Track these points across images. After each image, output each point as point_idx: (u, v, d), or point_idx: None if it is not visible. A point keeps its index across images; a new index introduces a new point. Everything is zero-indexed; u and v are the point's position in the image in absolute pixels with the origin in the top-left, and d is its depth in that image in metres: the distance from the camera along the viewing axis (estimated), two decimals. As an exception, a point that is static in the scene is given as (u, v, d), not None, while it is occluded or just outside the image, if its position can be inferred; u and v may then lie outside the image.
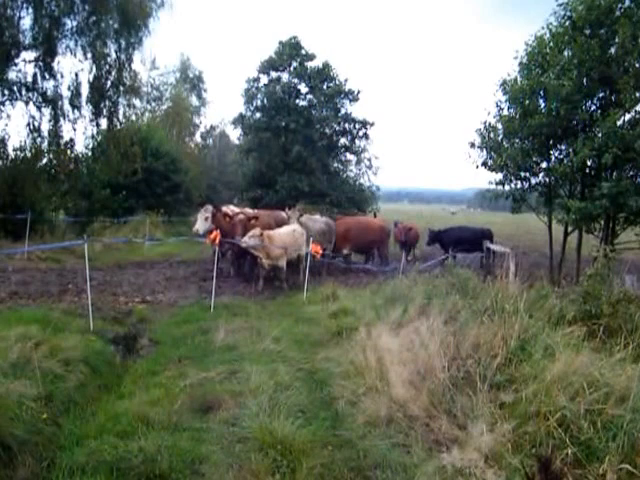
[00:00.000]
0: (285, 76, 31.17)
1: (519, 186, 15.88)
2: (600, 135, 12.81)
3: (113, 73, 18.27)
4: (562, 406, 4.14)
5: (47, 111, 18.01)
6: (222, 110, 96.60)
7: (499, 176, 15.86)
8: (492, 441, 4.08)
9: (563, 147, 14.99)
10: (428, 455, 4.26)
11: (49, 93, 17.83)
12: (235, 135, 37.73)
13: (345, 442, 4.61)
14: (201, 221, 13.52)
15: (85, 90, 18.26)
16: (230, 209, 14.98)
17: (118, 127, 19.23)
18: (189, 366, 6.46)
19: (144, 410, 4.91)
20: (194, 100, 40.36)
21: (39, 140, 18.10)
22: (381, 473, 4.09)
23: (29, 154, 18.05)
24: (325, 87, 31.17)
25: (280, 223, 14.67)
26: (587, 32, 13.34)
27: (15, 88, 17.39)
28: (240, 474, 4.01)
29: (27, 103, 17.69)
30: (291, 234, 13.06)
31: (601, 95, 14.06)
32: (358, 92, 31.59)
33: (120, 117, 19.34)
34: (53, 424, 4.71)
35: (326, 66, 31.26)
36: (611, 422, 3.99)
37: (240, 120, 31.82)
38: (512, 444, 4.07)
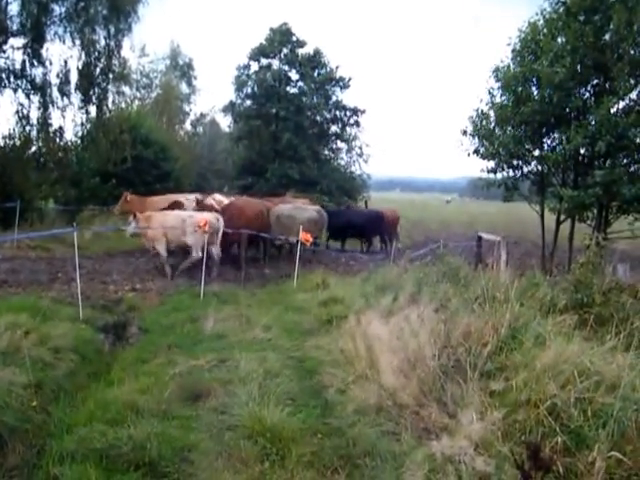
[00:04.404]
0: (276, 63, 30.97)
1: (511, 174, 15.88)
2: (594, 123, 12.81)
3: (102, 60, 18.04)
4: (552, 394, 4.13)
5: (36, 98, 17.78)
6: (212, 98, 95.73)
7: (491, 164, 15.86)
8: (482, 429, 4.07)
9: (556, 135, 14.99)
10: (417, 443, 4.26)
11: (38, 80, 17.59)
12: (225, 123, 37.47)
13: (334, 430, 4.60)
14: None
15: (74, 77, 18.00)
16: (217, 198, 14.93)
17: (107, 115, 19.02)
18: (178, 354, 6.44)
19: (133, 398, 4.89)
20: (184, 87, 39.88)
21: (28, 128, 17.85)
22: (370, 461, 4.08)
23: (18, 142, 17.81)
24: (316, 74, 31.03)
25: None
26: (581, 18, 13.28)
27: (3, 75, 17.13)
28: (229, 462, 4.00)
29: (15, 90, 17.44)
30: (177, 220, 12.06)
31: (595, 82, 14.04)
32: (349, 79, 31.57)
33: (109, 104, 19.12)
34: (43, 412, 4.73)
35: (317, 53, 31.10)
36: (601, 410, 3.99)
37: (230, 108, 31.66)
38: (502, 432, 4.06)
